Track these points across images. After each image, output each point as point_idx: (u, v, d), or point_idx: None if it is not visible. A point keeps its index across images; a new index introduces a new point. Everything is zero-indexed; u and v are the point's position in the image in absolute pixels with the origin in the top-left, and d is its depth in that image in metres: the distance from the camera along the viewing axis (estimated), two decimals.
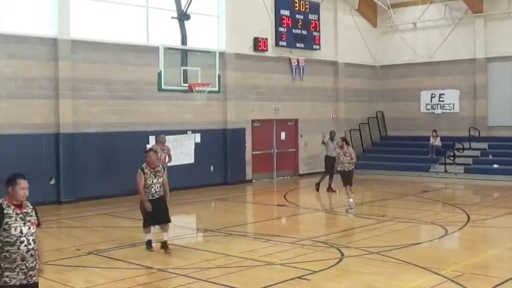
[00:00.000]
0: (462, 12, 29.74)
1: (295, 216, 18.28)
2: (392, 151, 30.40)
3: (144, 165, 12.27)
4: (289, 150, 28.12)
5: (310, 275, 10.24)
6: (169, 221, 12.48)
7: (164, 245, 12.20)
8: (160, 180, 12.27)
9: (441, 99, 30.67)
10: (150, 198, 12.13)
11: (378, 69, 32.61)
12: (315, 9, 28.53)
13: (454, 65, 30.00)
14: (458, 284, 9.55)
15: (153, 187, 12.16)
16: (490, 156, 27.50)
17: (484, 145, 28.33)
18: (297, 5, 27.68)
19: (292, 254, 11.98)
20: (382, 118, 32.31)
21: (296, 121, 28.32)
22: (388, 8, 30.67)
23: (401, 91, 31.76)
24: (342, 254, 11.74)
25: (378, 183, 25.33)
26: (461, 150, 27.77)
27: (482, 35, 29.15)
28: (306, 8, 28.05)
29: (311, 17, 28.28)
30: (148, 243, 12.44)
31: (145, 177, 12.10)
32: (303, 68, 28.06)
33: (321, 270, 10.53)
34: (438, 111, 30.77)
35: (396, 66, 31.91)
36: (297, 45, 27.73)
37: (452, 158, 27.61)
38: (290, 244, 12.92)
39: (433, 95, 30.88)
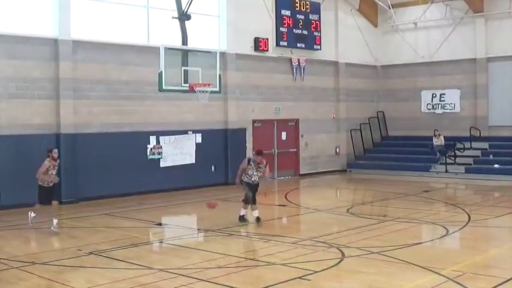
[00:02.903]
0: (463, 12, 29.73)
1: (296, 216, 18.29)
2: (393, 151, 30.40)
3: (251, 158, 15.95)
4: (290, 150, 28.11)
5: (311, 275, 10.24)
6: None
7: (257, 219, 15.56)
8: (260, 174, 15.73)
9: (442, 99, 30.67)
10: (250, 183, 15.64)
11: (379, 69, 32.60)
12: (316, 9, 28.54)
13: (455, 64, 30.00)
14: (459, 283, 9.55)
15: (252, 176, 15.61)
16: (491, 156, 27.48)
17: (485, 145, 28.31)
18: (298, 5, 27.70)
19: (293, 254, 11.98)
20: (383, 118, 32.31)
21: (297, 121, 28.32)
22: (389, 7, 30.68)
23: (402, 91, 31.75)
24: (343, 254, 11.75)
25: (378, 183, 25.35)
26: (462, 150, 27.77)
27: (483, 34, 29.15)
28: (306, 8, 28.06)
29: (312, 17, 28.29)
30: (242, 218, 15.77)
31: (248, 167, 15.57)
32: (303, 68, 28.07)
33: (321, 270, 10.54)
34: (439, 111, 30.76)
35: (397, 66, 31.89)
36: (298, 45, 27.75)
37: (453, 158, 27.62)
38: (291, 244, 12.92)
39: (434, 95, 30.87)
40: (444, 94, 30.60)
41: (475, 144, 28.16)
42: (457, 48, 29.89)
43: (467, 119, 29.47)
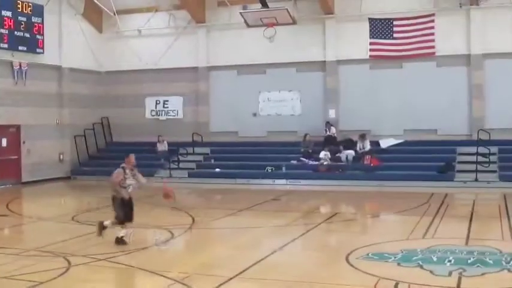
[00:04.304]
0: (186, 22, 30.72)
1: (19, 226, 17.51)
2: (118, 157, 29.95)
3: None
4: (11, 157, 26.84)
5: (36, 286, 9.90)
6: None
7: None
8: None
9: (166, 105, 31.39)
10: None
11: (103, 75, 32.37)
12: (39, 11, 27.57)
13: (178, 72, 30.86)
14: (185, 285, 9.87)
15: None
16: (212, 161, 28.72)
17: (207, 150, 29.52)
18: (20, 6, 26.54)
19: (17, 265, 11.44)
20: (108, 124, 32.17)
21: (18, 127, 27.13)
22: (114, 14, 30.69)
23: (126, 97, 31.87)
24: (69, 263, 11.51)
25: (103, 189, 24.76)
26: (185, 155, 28.68)
27: (205, 44, 30.41)
28: (29, 10, 27.00)
29: (34, 19, 27.29)
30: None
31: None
32: (25, 72, 26.99)
33: (47, 281, 10.24)
34: (163, 117, 31.44)
35: (122, 72, 31.93)
36: (20, 48, 26.62)
37: (176, 163, 28.38)
38: (14, 256, 12.34)
39: (158, 102, 31.49)
40: (168, 101, 31.34)
41: (197, 150, 29.24)
42: (181, 56, 30.78)
43: (190, 125, 30.46)
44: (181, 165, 28.39)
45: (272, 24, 26.88)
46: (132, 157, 13.75)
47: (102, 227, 13.30)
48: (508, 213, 17.36)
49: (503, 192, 21.76)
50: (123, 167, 13.48)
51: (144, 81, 31.51)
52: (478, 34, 26.48)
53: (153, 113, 31.66)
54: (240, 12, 26.94)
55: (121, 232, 13.22)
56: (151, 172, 28.19)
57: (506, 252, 11.86)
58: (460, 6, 26.37)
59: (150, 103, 31.66)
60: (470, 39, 26.61)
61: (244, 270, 10.87)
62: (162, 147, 29.22)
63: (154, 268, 10.94)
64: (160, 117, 31.47)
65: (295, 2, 28.22)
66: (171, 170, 28.00)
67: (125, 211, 13.22)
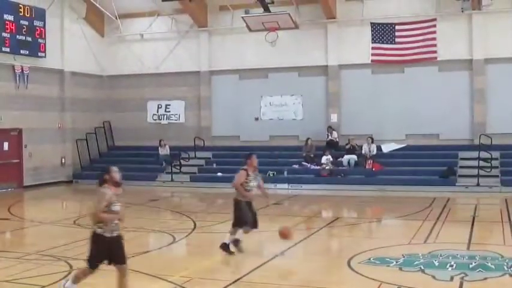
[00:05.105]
0: (188, 26, 30.75)
1: (20, 230, 17.49)
2: (120, 161, 30.17)
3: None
4: (13, 161, 26.83)
5: None
6: None
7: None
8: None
9: (167, 109, 31.40)
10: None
11: (105, 79, 32.39)
12: (41, 15, 27.60)
13: (180, 76, 30.90)
14: None
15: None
16: (214, 165, 28.69)
17: (209, 154, 29.52)
18: (22, 10, 26.57)
19: (18, 269, 11.45)
20: (110, 128, 32.18)
21: (20, 131, 27.13)
22: (116, 18, 30.73)
23: (128, 101, 31.91)
24: (71, 267, 11.48)
25: None
26: (187, 160, 28.68)
27: (207, 48, 30.42)
28: (31, 14, 27.03)
29: (36, 23, 27.30)
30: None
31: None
32: (27, 76, 27.01)
33: (49, 285, 10.22)
34: (164, 121, 31.45)
35: (123, 76, 31.99)
36: (21, 51, 26.62)
37: (178, 167, 28.37)
38: (15, 259, 12.34)
39: (160, 106, 31.51)
40: (170, 105, 31.36)
41: (199, 154, 29.24)
42: (182, 60, 30.83)
43: (192, 129, 30.49)
44: (183, 169, 28.38)
45: (274, 29, 26.95)
46: (255, 158, 12.75)
47: (225, 248, 12.58)
48: (509, 218, 17.32)
49: (504, 196, 21.75)
50: (245, 169, 12.57)
51: (146, 85, 31.54)
52: (480, 39, 26.46)
53: (155, 117, 31.67)
54: (242, 17, 27.00)
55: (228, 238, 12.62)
56: (152, 177, 28.33)
57: (508, 257, 11.83)
58: (462, 11, 26.35)
59: (151, 107, 31.68)
60: (472, 44, 26.60)
61: (246, 275, 10.87)
62: (164, 151, 29.22)
63: (156, 272, 10.92)
64: (162, 122, 31.48)
65: (297, 6, 28.21)
66: (172, 174, 27.98)
67: (248, 215, 12.50)
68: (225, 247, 12.47)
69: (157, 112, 31.61)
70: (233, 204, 12.58)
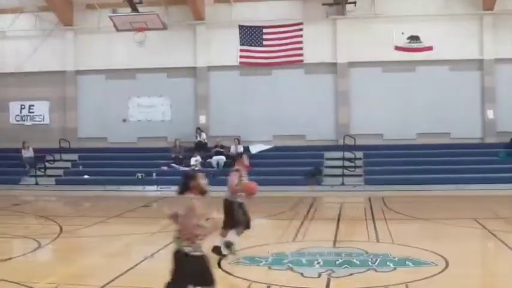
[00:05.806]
0: (53, 24, 29.86)
1: None
2: None
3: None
4: None
5: None
6: None
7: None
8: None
9: (31, 110, 30.43)
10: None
11: None
12: None
13: (44, 76, 29.99)
14: None
15: None
16: (81, 167, 28.08)
17: (75, 156, 28.87)
18: None
19: None
20: None
21: None
22: None
23: None
24: None
25: None
26: (52, 162, 27.89)
27: (73, 47, 29.70)
28: None
29: None
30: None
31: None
32: None
33: None
34: (28, 122, 30.44)
35: None
36: None
37: (43, 170, 27.53)
38: None
39: (23, 106, 30.48)
40: (33, 106, 30.41)
41: (64, 156, 28.53)
42: (47, 60, 29.91)
43: (57, 131, 29.73)
44: (48, 172, 27.61)
45: (142, 29, 26.77)
46: (246, 158, 12.57)
47: (218, 251, 11.94)
48: (373, 216, 18.05)
49: (368, 195, 22.66)
50: (237, 169, 12.31)
51: (8, 85, 30.36)
52: (344, 43, 27.49)
53: (18, 118, 30.59)
54: (110, 16, 26.59)
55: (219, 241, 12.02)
56: (16, 180, 27.32)
57: (372, 252, 12.31)
58: (327, 16, 27.27)
59: (14, 108, 30.57)
60: (336, 48, 27.57)
61: (114, 279, 10.67)
62: (28, 153, 28.25)
63: (21, 279, 10.52)
64: (26, 123, 30.45)
65: (166, 7, 28.11)
66: (37, 178, 27.12)
67: (240, 215, 12.20)
68: (217, 250, 11.99)
69: (21, 113, 30.56)
70: (224, 206, 12.18)
